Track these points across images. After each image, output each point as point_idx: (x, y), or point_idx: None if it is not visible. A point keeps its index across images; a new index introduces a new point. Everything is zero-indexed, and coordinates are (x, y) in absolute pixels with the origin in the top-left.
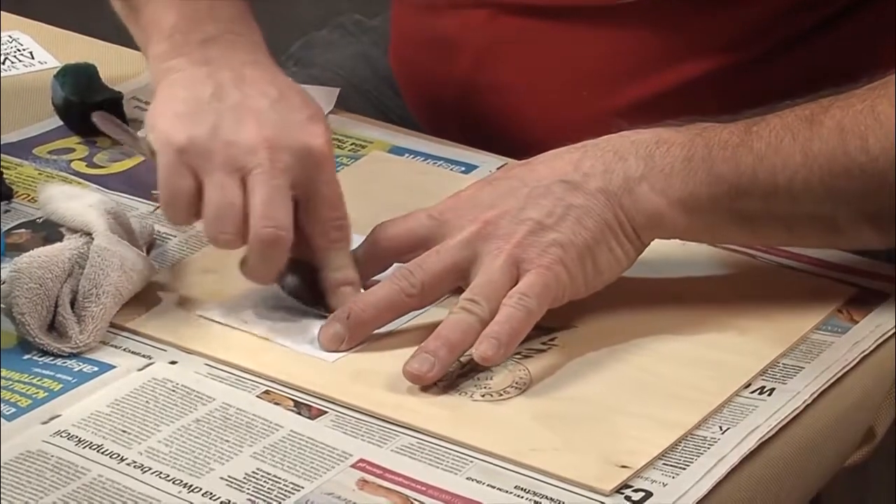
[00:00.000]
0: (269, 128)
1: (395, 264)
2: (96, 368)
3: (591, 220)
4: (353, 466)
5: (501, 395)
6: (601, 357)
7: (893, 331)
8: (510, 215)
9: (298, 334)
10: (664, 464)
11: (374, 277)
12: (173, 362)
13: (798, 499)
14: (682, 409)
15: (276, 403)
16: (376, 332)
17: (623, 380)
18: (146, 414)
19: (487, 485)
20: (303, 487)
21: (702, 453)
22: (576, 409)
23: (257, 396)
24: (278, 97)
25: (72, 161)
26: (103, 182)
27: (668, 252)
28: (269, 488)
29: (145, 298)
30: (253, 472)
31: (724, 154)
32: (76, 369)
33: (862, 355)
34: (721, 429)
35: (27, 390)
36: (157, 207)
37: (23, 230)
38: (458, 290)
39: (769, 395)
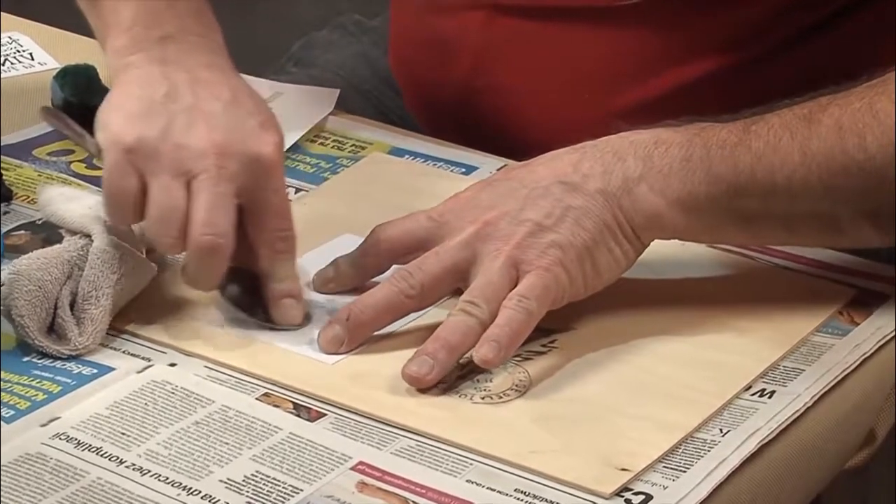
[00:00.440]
0: (220, 132)
1: (394, 266)
2: (95, 371)
3: (590, 222)
4: (352, 469)
5: (501, 397)
6: (600, 359)
7: (894, 333)
8: (509, 216)
9: (298, 336)
10: (664, 466)
11: (374, 279)
12: (172, 364)
13: (798, 501)
14: (682, 411)
15: (276, 406)
16: (376, 333)
17: (622, 382)
18: (145, 416)
19: (487, 487)
20: (302, 490)
21: (702, 456)
22: (575, 412)
23: (257, 399)
24: (232, 102)
25: (71, 163)
26: None
27: (667, 253)
28: (268, 491)
29: (145, 300)
30: (252, 475)
31: (723, 154)
32: (75, 371)
33: (862, 357)
34: (721, 431)
35: (26, 392)
36: None
37: (22, 232)
38: (458, 292)
39: (769, 397)
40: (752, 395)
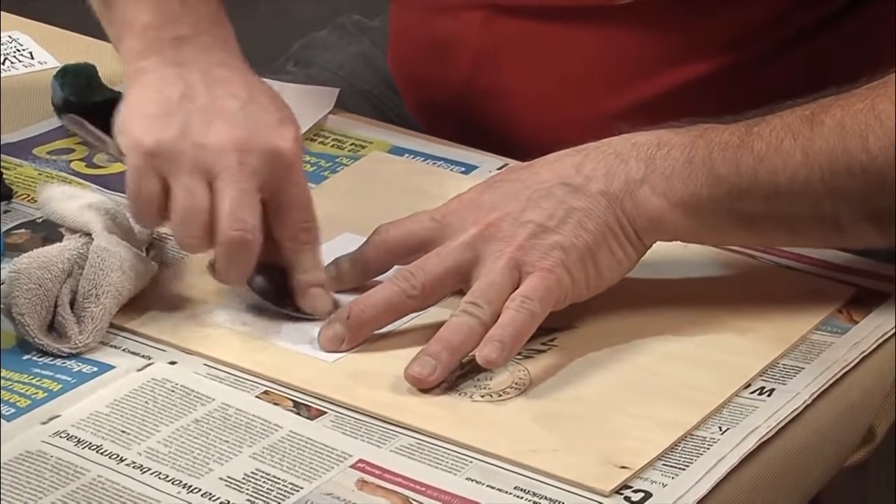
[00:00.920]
0: (238, 129)
1: (395, 266)
2: (96, 369)
3: (593, 223)
4: (352, 467)
5: (501, 395)
6: (601, 358)
7: (893, 331)
8: (511, 218)
9: (298, 335)
10: (664, 464)
11: (375, 279)
12: (173, 363)
13: (798, 499)
14: (681, 410)
15: (276, 404)
16: (376, 332)
17: (623, 380)
18: (145, 414)
19: (487, 485)
20: (302, 488)
21: (701, 454)
22: (575, 410)
23: (256, 397)
24: (248, 98)
25: (71, 161)
26: (103, 182)
27: (668, 252)
28: (268, 489)
29: (145, 299)
30: (252, 473)
31: (725, 155)
32: (75, 370)
33: (862, 356)
34: (721, 429)
35: (26, 391)
36: None
37: (22, 230)
38: (460, 292)
39: (769, 395)
40: (752, 393)
